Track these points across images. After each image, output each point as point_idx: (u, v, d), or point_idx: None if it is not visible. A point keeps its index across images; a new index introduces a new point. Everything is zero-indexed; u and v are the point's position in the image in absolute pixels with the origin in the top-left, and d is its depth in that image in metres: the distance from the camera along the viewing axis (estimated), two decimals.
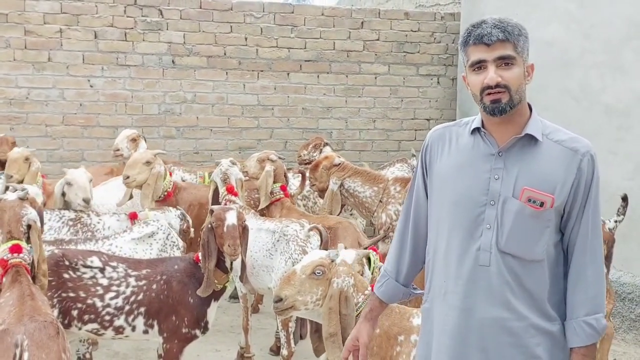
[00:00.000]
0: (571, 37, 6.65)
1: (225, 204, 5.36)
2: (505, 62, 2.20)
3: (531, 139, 2.25)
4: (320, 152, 7.02)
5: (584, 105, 6.57)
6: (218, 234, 3.98)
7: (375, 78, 8.39)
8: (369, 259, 4.13)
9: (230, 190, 5.46)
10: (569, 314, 2.27)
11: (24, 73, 7.46)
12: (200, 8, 7.84)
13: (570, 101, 6.69)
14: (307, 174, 6.24)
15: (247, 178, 5.96)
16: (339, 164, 6.14)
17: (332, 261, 3.24)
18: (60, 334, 2.96)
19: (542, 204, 2.19)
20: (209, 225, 4.02)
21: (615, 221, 4.99)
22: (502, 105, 2.20)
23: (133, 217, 5.17)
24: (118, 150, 6.63)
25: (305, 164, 6.98)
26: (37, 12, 7.45)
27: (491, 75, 2.19)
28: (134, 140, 6.67)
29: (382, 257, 4.14)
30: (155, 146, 7.56)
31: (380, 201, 5.98)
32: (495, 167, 2.25)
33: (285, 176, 6.02)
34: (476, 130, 2.34)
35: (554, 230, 2.26)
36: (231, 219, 3.99)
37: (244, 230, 4.10)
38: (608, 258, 5.02)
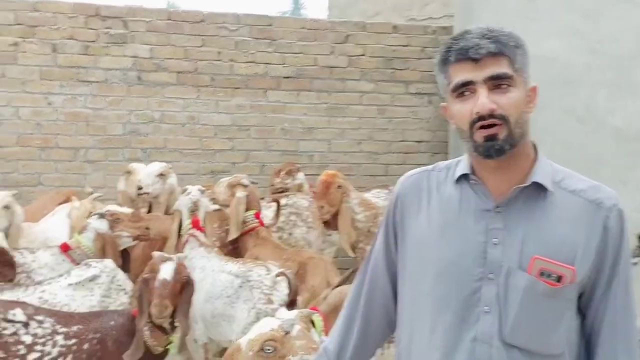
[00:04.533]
0: (575, 53, 6.21)
1: (187, 240, 4.80)
2: (499, 83, 1.67)
3: (539, 189, 1.73)
4: (294, 179, 6.48)
5: (589, 127, 6.09)
6: (150, 289, 3.36)
7: (361, 96, 7.76)
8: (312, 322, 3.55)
9: (196, 225, 4.87)
10: None
11: None
12: (169, 20, 7.21)
13: (573, 123, 6.20)
14: (316, 201, 5.58)
15: (217, 207, 5.36)
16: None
17: (287, 333, 2.60)
18: None
19: (559, 279, 1.67)
20: (145, 276, 3.40)
21: (633, 263, 4.37)
22: (500, 144, 1.66)
23: (64, 248, 4.56)
24: (141, 189, 5.83)
25: (279, 192, 6.40)
26: None
27: (482, 100, 1.65)
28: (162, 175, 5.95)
29: None
30: (119, 170, 6.98)
31: (369, 230, 5.36)
32: (493, 227, 1.73)
33: (258, 204, 5.42)
34: (463, 177, 1.80)
35: (576, 312, 1.75)
36: (165, 272, 3.37)
37: (183, 287, 3.45)
38: None
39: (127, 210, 4.98)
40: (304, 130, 7.63)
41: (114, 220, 4.75)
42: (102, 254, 4.53)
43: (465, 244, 1.73)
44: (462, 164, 1.82)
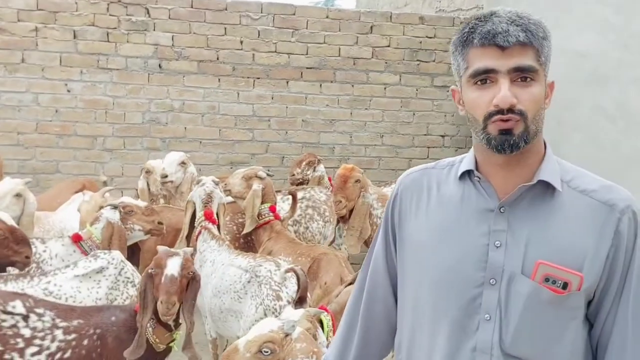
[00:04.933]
0: (607, 48, 5.97)
1: (199, 232, 4.68)
2: (524, 75, 1.54)
3: (546, 189, 1.60)
4: (314, 170, 6.34)
5: (621, 125, 5.87)
6: (156, 284, 3.23)
7: (385, 88, 7.57)
8: (320, 321, 3.40)
9: (209, 217, 4.74)
10: None
11: None
12: (192, 7, 7.08)
13: (603, 121, 5.97)
14: (332, 194, 5.40)
15: (232, 200, 5.24)
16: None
17: (287, 335, 2.45)
18: None
19: (565, 286, 1.54)
20: (149, 271, 3.27)
21: None
22: (515, 139, 1.53)
23: (76, 239, 4.46)
24: (167, 177, 5.82)
25: (298, 183, 6.27)
26: (11, 8, 6.75)
27: (504, 93, 1.51)
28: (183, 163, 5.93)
29: None
30: (137, 159, 6.93)
31: None
32: (496, 228, 1.60)
33: (274, 197, 5.31)
34: (467, 174, 1.67)
35: (582, 322, 1.61)
36: (172, 268, 3.23)
37: (190, 282, 3.32)
38: None
39: (141, 203, 4.88)
40: (326, 122, 7.47)
41: (127, 212, 4.66)
42: (109, 243, 4.44)
43: (466, 248, 1.61)
44: (466, 160, 1.69)
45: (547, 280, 1.53)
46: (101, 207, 4.85)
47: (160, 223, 4.77)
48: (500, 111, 1.52)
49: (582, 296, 1.55)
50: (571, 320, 1.57)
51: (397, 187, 1.78)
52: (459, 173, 1.67)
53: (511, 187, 1.59)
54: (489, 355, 1.57)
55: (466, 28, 1.59)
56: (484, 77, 1.55)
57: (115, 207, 4.65)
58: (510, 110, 1.52)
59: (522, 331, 1.56)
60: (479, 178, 1.63)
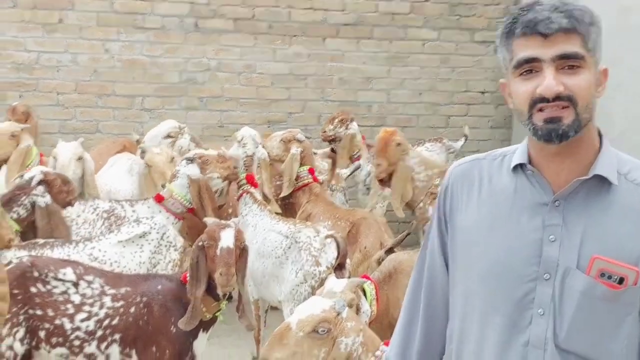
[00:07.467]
0: None
1: (241, 196, 4.70)
2: (570, 63, 1.50)
3: (602, 182, 1.56)
4: (347, 128, 6.23)
5: None
6: (210, 256, 3.25)
7: (423, 45, 7.45)
8: (363, 290, 3.42)
9: (251, 180, 4.74)
10: None
11: (33, 35, 6.82)
12: None
13: None
14: (371, 158, 5.37)
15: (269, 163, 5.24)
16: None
17: (339, 314, 2.48)
18: None
19: (621, 281, 1.51)
20: (200, 243, 3.30)
21: None
22: (564, 128, 1.49)
23: (158, 199, 4.51)
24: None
25: (330, 140, 6.21)
26: None
27: (549, 81, 1.48)
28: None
29: None
30: (175, 118, 6.94)
31: (432, 193, 5.12)
32: (550, 222, 1.56)
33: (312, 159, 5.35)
34: (520, 167, 1.63)
35: (638, 318, 1.56)
36: (227, 240, 3.24)
37: (242, 252, 3.36)
38: None
39: (212, 151, 4.78)
40: (363, 79, 7.39)
41: (204, 162, 4.59)
42: (199, 199, 4.44)
43: (517, 242, 1.59)
44: (519, 151, 1.66)
45: (602, 275, 1.51)
46: (172, 158, 4.88)
47: (235, 167, 4.70)
48: (544, 99, 1.49)
49: (638, 291, 1.53)
50: (626, 315, 1.54)
51: (447, 179, 1.75)
52: (512, 165, 1.64)
53: (565, 180, 1.56)
54: (542, 351, 1.55)
55: (510, 19, 1.56)
56: (528, 67, 1.52)
57: (191, 160, 4.64)
58: (558, 97, 1.49)
59: (576, 326, 1.54)
60: (532, 171, 1.60)
